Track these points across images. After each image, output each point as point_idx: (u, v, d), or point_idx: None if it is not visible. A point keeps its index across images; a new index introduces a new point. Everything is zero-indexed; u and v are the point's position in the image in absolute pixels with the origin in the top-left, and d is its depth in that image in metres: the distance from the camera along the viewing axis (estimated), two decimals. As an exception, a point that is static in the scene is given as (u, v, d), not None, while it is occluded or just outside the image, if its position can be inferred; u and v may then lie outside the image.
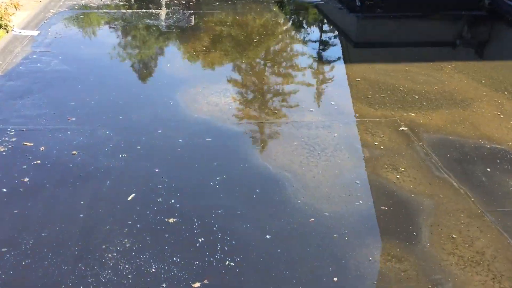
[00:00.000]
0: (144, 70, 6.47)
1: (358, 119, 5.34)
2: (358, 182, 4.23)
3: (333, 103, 5.72)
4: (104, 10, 9.39)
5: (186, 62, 6.92)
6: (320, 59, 7.44)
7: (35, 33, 7.59)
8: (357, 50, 8.15)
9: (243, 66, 6.98)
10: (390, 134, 5.04)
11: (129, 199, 3.89)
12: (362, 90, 6.11)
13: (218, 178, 4.19)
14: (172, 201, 3.88)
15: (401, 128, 5.14)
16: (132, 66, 6.67)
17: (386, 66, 7.02)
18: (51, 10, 9.04)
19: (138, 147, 4.63)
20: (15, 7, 14.73)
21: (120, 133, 4.85)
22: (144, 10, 9.52)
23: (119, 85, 6.01)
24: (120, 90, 5.86)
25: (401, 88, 6.18)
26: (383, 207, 3.91)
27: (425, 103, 5.78)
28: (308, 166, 4.42)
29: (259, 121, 5.23)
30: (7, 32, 12.65)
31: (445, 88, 6.25)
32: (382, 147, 4.78)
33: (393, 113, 5.52)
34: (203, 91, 5.89)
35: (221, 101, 5.67)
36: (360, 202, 3.95)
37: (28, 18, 8.00)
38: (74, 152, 4.49)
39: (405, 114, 5.51)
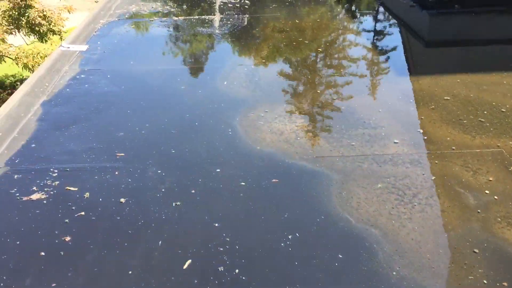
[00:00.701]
0: (199, 91, 5.80)
1: (453, 151, 4.42)
2: (468, 242, 3.35)
3: (419, 129, 4.81)
4: (155, 18, 8.82)
5: (244, 78, 6.19)
6: (399, 72, 6.49)
7: (83, 47, 7.10)
8: (435, 55, 7.12)
9: (307, 83, 6.17)
10: (497, 172, 4.09)
11: (185, 267, 3.23)
12: (453, 111, 5.16)
13: (290, 237, 3.45)
14: (236, 271, 3.18)
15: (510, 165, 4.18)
16: (185, 85, 6.02)
17: (475, 77, 5.99)
18: (101, 21, 8.57)
19: (193, 191, 3.97)
20: (68, 11, 14.51)
21: (173, 173, 4.20)
22: (197, 17, 8.87)
23: (172, 109, 5.37)
24: (172, 115, 5.21)
25: (502, 109, 5.17)
26: (505, 284, 3.02)
27: (534, 127, 4.77)
28: (400, 219, 3.59)
29: (332, 155, 4.42)
30: (61, 39, 12.31)
31: (556, 106, 5.18)
32: (488, 191, 3.86)
33: (496, 142, 4.55)
34: (265, 116, 5.14)
35: (286, 128, 4.91)
36: (472, 276, 3.08)
37: (77, 31, 7.54)
38: (122, 200, 3.88)
39: (511, 142, 4.52)
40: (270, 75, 6.29)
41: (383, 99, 5.51)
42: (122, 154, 4.51)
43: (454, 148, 4.47)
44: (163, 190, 3.99)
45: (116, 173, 4.23)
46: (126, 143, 4.69)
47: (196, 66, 6.62)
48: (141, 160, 4.41)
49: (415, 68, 6.46)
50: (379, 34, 8.04)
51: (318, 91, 5.76)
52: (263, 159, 4.39)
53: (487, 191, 3.86)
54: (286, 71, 6.42)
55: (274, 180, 4.08)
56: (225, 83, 6.01)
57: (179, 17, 8.94)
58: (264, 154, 4.46)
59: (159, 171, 4.24)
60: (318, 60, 6.80)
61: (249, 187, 4.00)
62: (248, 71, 6.37)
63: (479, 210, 3.66)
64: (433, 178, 4.04)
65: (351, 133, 4.80)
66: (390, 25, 8.51)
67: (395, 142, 4.57)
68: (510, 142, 4.54)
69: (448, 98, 5.43)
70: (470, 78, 5.95)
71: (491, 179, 4.01)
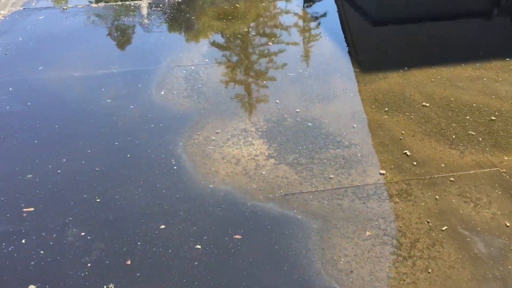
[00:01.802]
0: (130, 106, 4.70)
1: (445, 175, 3.68)
2: (492, 318, 2.63)
3: (400, 146, 4.03)
4: (69, 6, 7.45)
5: (184, 84, 5.15)
6: (365, 67, 5.66)
7: (-21, 50, 5.71)
8: (395, 41, 6.36)
9: (261, 86, 5.22)
10: (501, 201, 3.40)
11: None
12: (432, 118, 4.43)
13: (268, 330, 2.56)
14: None
15: (516, 192, 3.50)
16: (111, 98, 4.89)
17: (448, 72, 5.31)
18: (1, 12, 7.09)
19: (129, 262, 2.98)
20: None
21: (101, 235, 3.18)
22: (120, 3, 7.60)
23: (95, 135, 4.26)
24: (97, 144, 4.12)
25: (483, 109, 4.50)
26: None
27: (528, 137, 4.13)
28: (403, 285, 2.80)
29: (304, 190, 3.56)
30: None
31: (543, 106, 4.58)
32: (497, 232, 3.16)
33: (489, 157, 3.86)
34: (215, 137, 4.17)
35: (243, 153, 3.97)
36: None
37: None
38: (32, 286, 2.82)
39: (506, 158, 3.85)
40: (215, 78, 5.28)
41: (352, 106, 4.68)
42: (31, 208, 3.41)
43: (444, 170, 3.73)
44: (89, 265, 2.96)
45: (23, 241, 3.13)
46: (36, 191, 3.58)
47: (123, 69, 5.46)
48: (57, 216, 3.33)
49: (381, 62, 5.67)
50: (328, 25, 7.18)
51: (277, 100, 4.83)
52: (219, 203, 3.44)
53: (496, 232, 3.15)
54: (235, 73, 5.43)
55: (236, 236, 3.16)
56: (162, 92, 4.94)
57: (99, 4, 7.62)
58: (220, 195, 3.52)
59: (82, 234, 3.19)
60: (271, 56, 5.85)
61: (206, 251, 3.06)
62: (189, 74, 5.32)
63: (492, 262, 2.94)
64: (429, 216, 3.28)
65: (321, 155, 3.94)
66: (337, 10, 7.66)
67: (375, 168, 3.76)
68: (505, 157, 3.87)
69: (425, 103, 4.68)
70: (439, 72, 5.25)
71: (496, 212, 3.31)
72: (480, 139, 4.13)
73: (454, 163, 3.83)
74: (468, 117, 4.44)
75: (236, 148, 4.05)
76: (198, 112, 4.60)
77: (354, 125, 4.35)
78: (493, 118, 4.40)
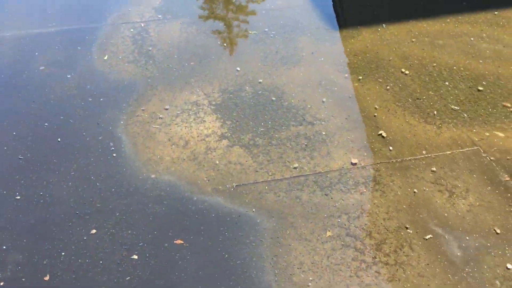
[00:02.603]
0: (67, 75, 4.10)
1: (418, 158, 3.27)
2: None
3: (370, 121, 3.58)
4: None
5: (131, 46, 4.54)
6: (329, 23, 5.06)
7: None
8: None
9: (221, 47, 4.63)
10: (479, 189, 3.02)
11: None
12: (407, 85, 3.95)
13: None
14: None
15: (499, 177, 3.11)
16: (46, 64, 4.28)
17: (426, 25, 4.77)
18: None
19: (47, 277, 2.55)
20: None
21: (18, 244, 2.73)
22: None
23: (22, 115, 3.72)
24: (23, 126, 3.59)
25: (464, 74, 4.03)
26: None
27: (510, 105, 3.69)
28: (365, 299, 2.44)
29: (259, 179, 3.13)
30: None
31: (530, 70, 4.12)
32: (476, 233, 2.79)
33: (469, 133, 3.44)
34: (162, 114, 3.65)
35: (192, 133, 3.48)
36: None
37: None
38: None
39: (487, 134, 3.44)
40: (167, 37, 4.66)
41: (320, 72, 4.15)
42: None
43: (418, 150, 3.31)
44: (1, 284, 2.53)
45: None
46: (-51, 187, 3.07)
47: (62, 27, 4.80)
48: (-29, 220, 2.85)
49: (355, 18, 5.08)
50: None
51: (236, 66, 4.27)
52: (161, 198, 2.99)
53: (475, 234, 2.78)
54: (190, 32, 4.80)
55: (178, 241, 2.74)
56: (105, 57, 4.33)
57: None
58: (163, 188, 3.06)
59: (-2, 242, 2.74)
60: (233, 12, 5.20)
61: (142, 262, 2.64)
62: (137, 33, 4.69)
63: (468, 268, 2.59)
64: (399, 212, 2.89)
65: (281, 134, 3.47)
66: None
67: (341, 149, 3.32)
68: (486, 132, 3.45)
69: (402, 68, 4.18)
70: (419, 28, 4.71)
71: (473, 202, 2.93)
72: (460, 110, 3.69)
73: (429, 141, 3.40)
74: (447, 83, 3.97)
75: (185, 127, 3.55)
76: (145, 81, 4.04)
77: (321, 96, 3.85)
78: (474, 84, 3.94)
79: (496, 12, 4.95)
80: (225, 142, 3.42)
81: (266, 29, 4.79)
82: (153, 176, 3.15)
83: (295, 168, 3.20)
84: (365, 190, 3.03)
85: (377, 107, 3.72)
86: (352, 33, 4.71)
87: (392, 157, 3.28)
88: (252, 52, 4.42)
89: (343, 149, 3.34)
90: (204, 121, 3.61)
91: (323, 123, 3.58)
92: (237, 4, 5.28)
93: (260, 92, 3.90)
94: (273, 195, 3.01)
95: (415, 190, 3.02)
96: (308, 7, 5.22)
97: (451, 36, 4.59)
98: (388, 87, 3.93)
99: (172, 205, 2.95)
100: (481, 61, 4.21)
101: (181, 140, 3.43)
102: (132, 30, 4.76)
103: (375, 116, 3.63)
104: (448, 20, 4.86)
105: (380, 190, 3.03)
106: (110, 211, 2.91)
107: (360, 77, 4.05)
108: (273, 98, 3.83)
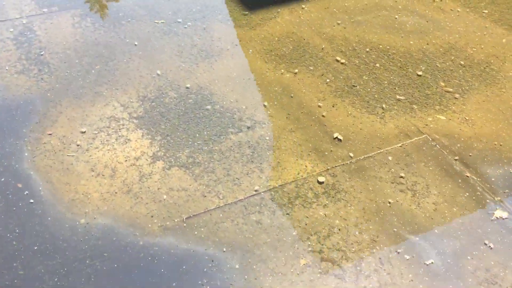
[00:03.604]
0: None
1: (370, 154, 3.09)
2: None
3: (322, 124, 3.31)
4: None
5: (16, 51, 3.77)
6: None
7: None
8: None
9: (127, 40, 4.02)
10: (438, 181, 2.92)
11: None
12: (339, 72, 3.74)
13: None
14: None
15: (454, 166, 3.03)
16: None
17: (337, 0, 4.57)
18: None
19: None
20: None
21: None
22: None
23: None
24: None
25: (391, 52, 3.90)
26: None
27: (445, 85, 3.65)
28: (358, 333, 2.23)
29: (210, 207, 2.74)
30: None
31: (453, 40, 4.11)
32: (451, 234, 2.70)
33: (412, 120, 3.33)
34: (75, 138, 3.05)
35: (119, 158, 2.96)
36: None
37: None
38: None
39: (430, 118, 3.36)
40: (59, 36, 3.93)
41: (244, 64, 3.77)
42: None
43: (369, 145, 3.12)
44: None
45: None
46: None
47: None
48: None
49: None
50: None
51: (149, 65, 3.72)
52: (99, 250, 2.49)
53: (446, 231, 2.67)
54: (86, 26, 4.10)
55: (132, 304, 2.28)
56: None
57: None
58: (98, 235, 2.54)
59: None
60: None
61: None
62: (20, 34, 3.90)
63: (451, 274, 2.48)
64: (369, 221, 2.69)
65: (222, 146, 3.08)
66: None
67: (290, 155, 3.01)
68: (428, 117, 3.37)
69: (327, 50, 3.93)
70: (337, 4, 4.48)
71: (437, 199, 2.83)
72: (396, 94, 3.55)
73: (377, 133, 3.23)
74: (378, 65, 3.82)
75: (108, 151, 2.99)
76: (44, 96, 3.36)
77: (254, 94, 3.49)
78: (404, 64, 3.84)
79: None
80: (160, 164, 2.94)
81: (175, 17, 4.26)
82: (82, 221, 2.60)
83: (246, 185, 2.84)
84: (327, 202, 2.78)
85: (315, 100, 3.46)
86: (268, 14, 4.35)
87: (345, 157, 3.05)
88: (165, 47, 3.89)
89: (293, 155, 3.04)
90: (129, 140, 3.08)
91: (263, 125, 3.24)
92: (135, -11, 4.63)
93: (186, 95, 3.44)
94: (230, 223, 2.64)
95: (378, 193, 2.84)
96: (216, -13, 4.73)
97: (368, 11, 4.44)
98: (321, 75, 3.67)
99: (115, 257, 2.45)
100: (403, 35, 4.12)
101: (106, 168, 2.89)
102: (12, 30, 3.95)
103: (316, 111, 3.37)
104: (363, -7, 4.69)
105: (343, 200, 2.80)
106: (38, 278, 2.35)
107: (287, 64, 3.73)
108: (203, 102, 3.39)
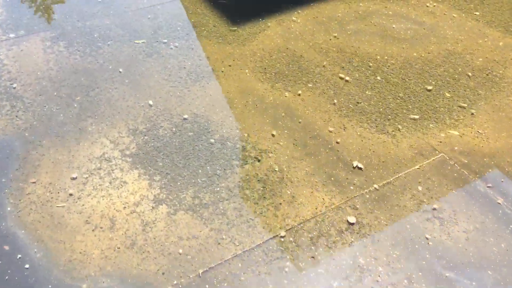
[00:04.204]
0: None
1: (389, 179, 2.88)
2: None
3: (335, 148, 3.08)
4: None
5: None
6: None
7: None
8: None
9: (95, 68, 3.68)
10: (465, 207, 2.74)
11: None
12: (340, 88, 3.52)
13: None
14: None
15: (477, 187, 2.86)
16: None
17: (328, 7, 4.35)
18: None
19: None
20: None
21: None
22: None
23: None
24: None
25: (389, 63, 3.70)
26: None
27: (451, 95, 3.49)
28: None
29: (226, 255, 2.48)
30: None
31: (450, 46, 3.96)
32: (490, 271, 2.52)
33: (424, 137, 3.15)
34: (63, 184, 2.72)
35: (116, 205, 2.65)
36: None
37: None
38: None
39: (443, 134, 3.18)
40: (32, 64, 3.56)
41: (237, 84, 3.50)
42: None
43: (385, 168, 2.91)
44: None
45: None
46: None
47: None
48: None
49: (250, 6, 4.43)
50: None
51: (135, 93, 3.39)
52: (107, 321, 2.17)
53: (489, 271, 2.49)
54: (60, 48, 3.73)
55: None
56: (-51, 111, 3.13)
57: None
58: (104, 304, 2.22)
59: None
60: (109, 17, 4.18)
61: None
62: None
63: (492, 310, 2.29)
64: (400, 260, 2.48)
65: (229, 182, 2.80)
66: None
67: (303, 187, 2.77)
68: (442, 134, 3.19)
69: (325, 64, 3.70)
70: (324, 12, 4.26)
71: (468, 228, 2.64)
72: (403, 109, 3.37)
73: (391, 155, 3.03)
74: (379, 78, 3.62)
75: (103, 197, 2.67)
76: (22, 137, 2.99)
77: (254, 119, 3.22)
78: (405, 74, 3.66)
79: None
80: (163, 208, 2.64)
81: (157, 35, 3.93)
82: (84, 286, 2.28)
83: (263, 228, 2.58)
84: (352, 239, 2.55)
85: (321, 121, 3.22)
86: (258, 27, 4.09)
87: (363, 186, 2.83)
88: (151, 70, 3.57)
89: (307, 187, 2.80)
90: (125, 182, 2.76)
91: (270, 155, 2.98)
92: (102, 5, 4.28)
93: (181, 125, 3.14)
94: (252, 273, 2.38)
95: (407, 226, 2.63)
96: (191, 0, 4.42)
97: (359, 19, 4.24)
98: (323, 93, 3.44)
99: (128, 328, 2.15)
100: (398, 44, 3.94)
101: (103, 219, 2.57)
102: (-24, 60, 3.54)
103: (323, 134, 3.13)
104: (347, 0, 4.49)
105: (369, 235, 2.58)
106: None
107: (284, 82, 3.49)
108: (200, 132, 3.10)
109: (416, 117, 3.30)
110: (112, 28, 4.00)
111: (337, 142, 3.07)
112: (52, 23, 4.00)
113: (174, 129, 3.11)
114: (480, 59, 3.82)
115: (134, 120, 3.16)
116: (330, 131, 3.14)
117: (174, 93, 3.39)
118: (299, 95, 3.41)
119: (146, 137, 3.05)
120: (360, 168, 2.91)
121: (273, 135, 3.10)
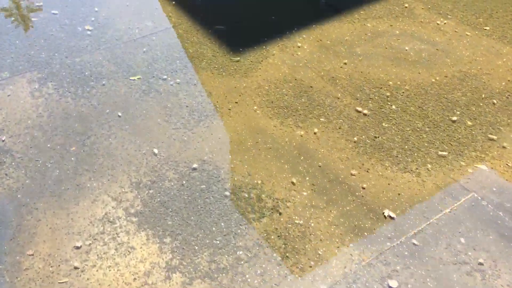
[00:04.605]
0: None
1: (418, 228, 2.65)
2: None
3: (357, 194, 2.84)
4: None
5: None
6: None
7: None
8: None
9: (84, 113, 3.41)
10: (506, 256, 2.52)
11: None
12: (354, 120, 3.29)
13: None
14: None
15: (518, 237, 2.64)
16: None
17: (332, 28, 4.12)
18: None
19: None
20: None
21: None
22: None
23: None
24: None
25: (403, 89, 3.47)
26: None
27: (473, 123, 3.27)
28: None
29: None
30: None
31: (464, 67, 3.74)
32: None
33: (449, 173, 2.92)
34: (65, 254, 2.44)
35: (125, 277, 2.39)
36: None
37: None
38: None
39: (470, 170, 2.96)
40: (19, 111, 3.28)
41: (245, 122, 3.25)
42: None
43: (414, 214, 2.67)
44: None
45: None
46: None
47: None
48: None
49: (249, 33, 4.18)
50: None
51: (135, 138, 3.12)
52: None
53: (526, 317, 2.26)
54: (49, 90, 3.45)
55: None
56: None
57: None
58: None
59: None
60: (98, 52, 3.90)
61: None
62: None
63: None
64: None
65: (246, 241, 2.55)
66: None
67: (328, 241, 2.52)
68: (469, 170, 2.97)
69: (339, 96, 3.46)
70: (329, 35, 4.03)
71: (511, 280, 2.42)
72: (424, 142, 3.14)
73: (418, 198, 2.80)
74: (394, 107, 3.40)
75: (109, 267, 2.40)
76: (14, 200, 2.70)
77: (267, 163, 2.97)
78: (423, 103, 3.45)
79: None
80: (177, 277, 2.38)
81: (152, 70, 3.67)
82: None
83: (290, 294, 2.33)
84: (389, 302, 2.31)
85: (338, 161, 2.98)
86: (260, 54, 3.84)
87: (393, 236, 2.60)
88: (149, 112, 3.31)
89: (332, 241, 2.56)
90: (132, 248, 2.50)
91: (288, 204, 2.73)
92: (94, 34, 4.00)
93: (188, 175, 2.88)
94: None
95: (444, 282, 2.39)
96: (189, 25, 4.16)
97: (367, 40, 4.01)
98: (338, 128, 3.20)
99: None
100: (409, 67, 3.72)
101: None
102: (-42, 110, 3.24)
103: (346, 179, 2.89)
104: (349, 18, 4.25)
105: (406, 295, 2.34)
106: None
107: (301, 122, 3.24)
108: (210, 182, 2.84)
109: (436, 148, 3.08)
110: (104, 64, 3.72)
111: (363, 188, 2.83)
112: (38, 61, 3.71)
113: (180, 179, 2.85)
114: (498, 82, 3.62)
115: (136, 172, 2.89)
116: (353, 175, 2.90)
117: (177, 136, 3.13)
118: (310, 131, 3.17)
119: (151, 191, 2.79)
120: (392, 218, 2.67)
121: (287, 180, 2.86)
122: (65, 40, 3.97)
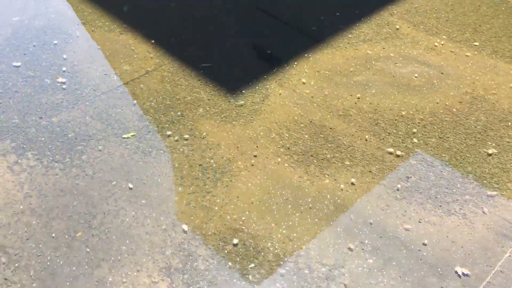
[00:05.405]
0: None
1: (488, 283, 2.48)
2: None
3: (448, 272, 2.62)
4: None
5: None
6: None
7: None
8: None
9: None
10: None
11: None
12: (381, 160, 3.08)
13: None
14: None
15: None
16: None
17: (323, 58, 3.90)
18: None
19: None
20: None
21: None
22: None
23: None
24: None
25: (418, 119, 3.31)
26: None
27: (498, 151, 3.16)
28: None
29: None
30: None
31: (469, 88, 3.65)
32: None
33: (496, 212, 2.79)
34: None
35: None
36: None
37: None
38: None
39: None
40: (4, 196, 2.76)
41: (267, 177, 2.93)
42: None
43: (473, 263, 2.49)
44: None
45: None
46: None
47: None
48: None
49: (239, 72, 3.85)
50: None
51: (146, 209, 2.72)
52: None
53: None
54: (34, 164, 2.95)
55: None
56: None
57: None
58: None
59: None
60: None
61: None
62: None
63: None
64: None
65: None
66: None
67: None
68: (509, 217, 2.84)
69: (359, 137, 3.23)
70: (323, 64, 3.80)
71: None
72: (459, 178, 2.98)
73: (473, 244, 2.63)
74: (415, 141, 3.23)
75: None
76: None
77: (301, 223, 2.67)
78: (440, 131, 3.31)
79: (382, 11, 4.37)
80: None
81: (147, 123, 3.26)
82: None
83: None
84: None
85: (379, 211, 2.75)
86: (259, 93, 3.55)
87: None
88: (156, 175, 2.91)
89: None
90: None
91: (342, 270, 2.45)
92: (68, 86, 3.52)
93: (221, 248, 2.52)
94: None
95: None
96: (171, 69, 3.77)
97: (362, 67, 3.83)
98: (368, 172, 2.97)
99: None
100: (416, 93, 3.59)
101: None
102: None
103: (400, 235, 2.66)
104: (341, 44, 4.06)
105: None
106: None
107: (325, 169, 2.98)
108: (248, 254, 2.50)
109: (474, 185, 2.93)
110: (88, 121, 3.25)
111: (424, 244, 2.60)
112: (7, 127, 3.17)
113: (213, 255, 2.48)
114: (505, 102, 3.56)
115: (162, 254, 2.49)
116: (407, 230, 2.67)
117: (197, 203, 2.75)
118: (339, 179, 2.91)
119: (185, 276, 2.40)
120: (467, 275, 2.47)
121: (332, 243, 2.58)
122: (34, 96, 3.44)
